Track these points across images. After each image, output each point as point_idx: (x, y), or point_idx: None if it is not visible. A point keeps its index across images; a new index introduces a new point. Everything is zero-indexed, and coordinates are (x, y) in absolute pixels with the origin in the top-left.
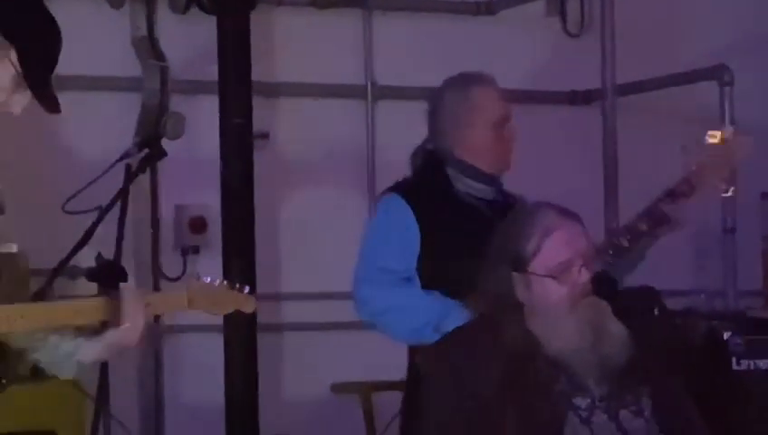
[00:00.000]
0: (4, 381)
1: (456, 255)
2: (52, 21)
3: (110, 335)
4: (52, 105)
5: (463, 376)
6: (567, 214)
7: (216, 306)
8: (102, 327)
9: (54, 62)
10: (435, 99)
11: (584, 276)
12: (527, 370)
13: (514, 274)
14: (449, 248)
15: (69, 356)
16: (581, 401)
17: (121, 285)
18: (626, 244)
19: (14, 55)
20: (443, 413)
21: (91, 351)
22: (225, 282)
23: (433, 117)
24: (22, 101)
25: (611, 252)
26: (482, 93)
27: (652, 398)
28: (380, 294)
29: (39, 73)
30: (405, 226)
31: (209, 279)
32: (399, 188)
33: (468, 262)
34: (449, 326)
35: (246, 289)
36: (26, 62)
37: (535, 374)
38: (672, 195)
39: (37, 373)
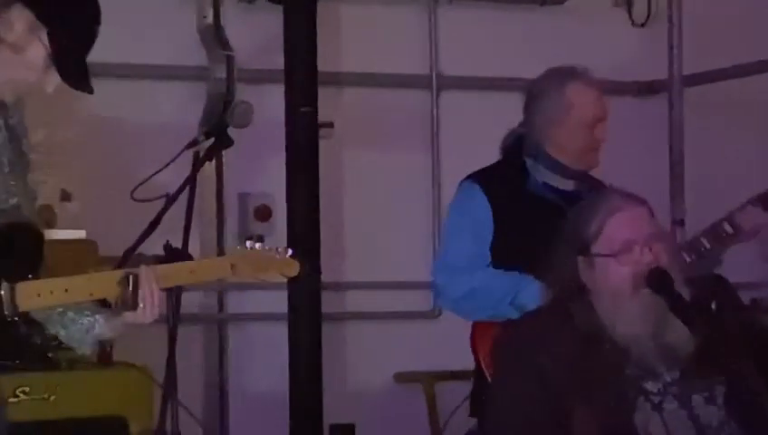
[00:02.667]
0: (17, 362)
1: (527, 245)
2: (92, 3)
3: (127, 315)
4: (84, 86)
5: (532, 360)
6: (632, 197)
7: (260, 271)
8: (120, 304)
9: (89, 43)
10: (533, 89)
11: (647, 258)
12: (595, 354)
13: (579, 258)
14: (521, 239)
15: (87, 331)
16: (653, 386)
17: (141, 266)
18: (707, 245)
19: (45, 36)
20: (514, 400)
21: (108, 327)
22: (267, 247)
23: (529, 106)
24: (54, 80)
25: (693, 254)
26: (576, 91)
27: (725, 385)
28: (457, 279)
29: (69, 54)
30: (479, 214)
31: (251, 245)
32: (478, 177)
33: (539, 253)
34: (525, 299)
35: (290, 252)
36: (57, 43)
37: (604, 359)
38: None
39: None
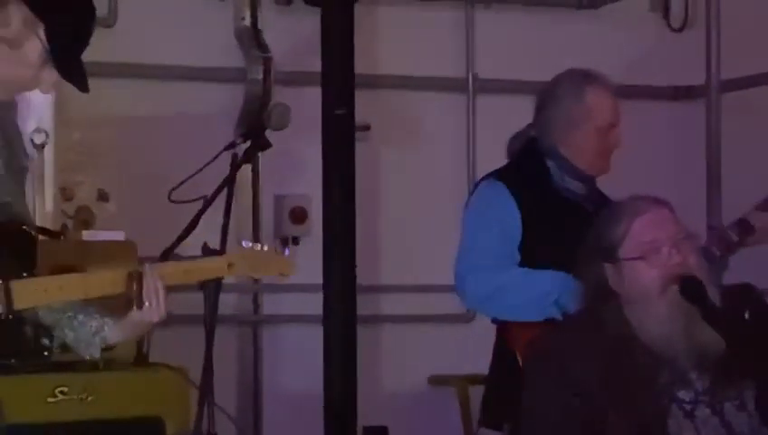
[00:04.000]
0: (13, 361)
1: (556, 246)
2: (86, 1)
3: (133, 314)
4: (80, 83)
5: (565, 370)
6: (656, 200)
7: (257, 270)
8: (126, 306)
9: (86, 39)
10: (548, 91)
11: (675, 258)
12: (628, 361)
13: (606, 264)
14: (550, 239)
15: (94, 335)
16: (685, 395)
17: (145, 264)
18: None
19: (42, 31)
20: (546, 408)
21: (115, 330)
22: (265, 247)
23: (543, 108)
24: (50, 77)
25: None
26: (595, 96)
27: (755, 391)
28: (485, 277)
29: (66, 51)
30: (507, 213)
31: (250, 244)
32: (501, 175)
33: (568, 255)
34: (566, 299)
35: (287, 252)
36: (54, 39)
37: (636, 366)
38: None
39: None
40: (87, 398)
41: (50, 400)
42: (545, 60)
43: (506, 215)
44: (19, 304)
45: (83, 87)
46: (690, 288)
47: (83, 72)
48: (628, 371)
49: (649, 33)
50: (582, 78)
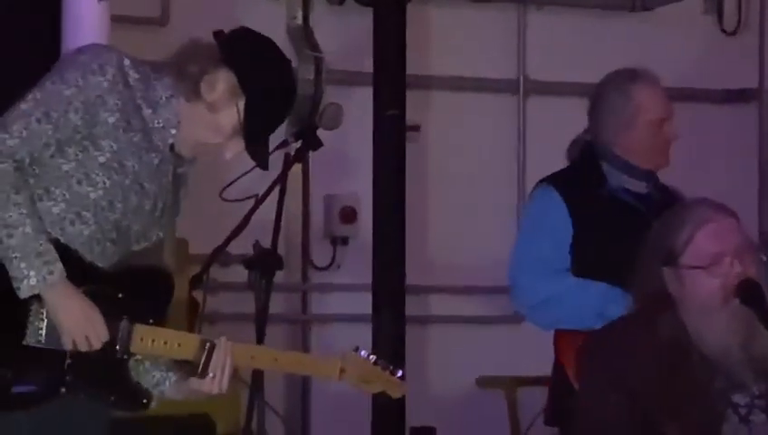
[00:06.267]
0: (113, 398)
1: (608, 251)
2: (292, 87)
3: (194, 381)
4: (262, 161)
5: (620, 374)
6: (722, 208)
7: (366, 384)
8: (192, 369)
9: (279, 121)
10: (597, 93)
11: (737, 270)
12: (684, 367)
13: (665, 268)
14: (602, 245)
15: (155, 386)
16: (741, 399)
17: (221, 338)
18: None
19: (242, 104)
20: (601, 409)
21: (175, 388)
22: (378, 362)
23: (594, 111)
24: (236, 148)
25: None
26: (644, 92)
27: None
28: (540, 284)
29: (259, 129)
30: (558, 219)
31: (364, 354)
32: (554, 180)
33: (621, 258)
34: (614, 313)
35: (399, 373)
36: (251, 115)
37: (692, 370)
38: None
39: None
40: None
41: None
42: (597, 62)
43: (557, 221)
44: (135, 348)
45: (264, 165)
46: (747, 291)
47: (267, 151)
48: (684, 375)
49: (702, 35)
50: (628, 76)
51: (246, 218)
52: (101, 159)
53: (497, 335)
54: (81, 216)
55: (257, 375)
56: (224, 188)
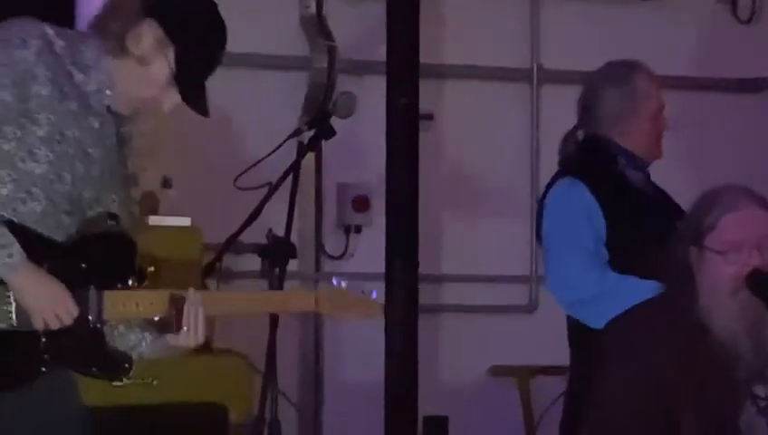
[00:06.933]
0: (94, 368)
1: (641, 239)
2: (221, 29)
3: (171, 337)
4: (201, 109)
5: (641, 357)
6: (754, 196)
7: (342, 311)
8: (166, 326)
9: (212, 67)
10: (593, 86)
11: (754, 260)
12: (704, 353)
13: (692, 247)
14: (634, 233)
15: (132, 348)
16: (761, 390)
17: (189, 289)
18: None
19: (172, 54)
20: (621, 394)
21: (152, 348)
22: (351, 288)
23: (591, 103)
24: (173, 99)
25: None
26: (645, 83)
27: None
28: (590, 277)
29: (192, 76)
30: (591, 212)
31: (338, 283)
32: (578, 173)
33: (653, 248)
34: None
35: (374, 294)
36: (182, 64)
37: (713, 358)
38: None
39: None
40: (152, 381)
41: (115, 383)
42: (610, 50)
43: (592, 215)
44: (109, 315)
45: (204, 112)
46: (757, 281)
47: (205, 98)
48: (705, 362)
49: (716, 25)
50: (627, 68)
51: (260, 207)
52: (41, 133)
53: (510, 324)
54: (31, 193)
55: (271, 364)
56: (237, 177)
